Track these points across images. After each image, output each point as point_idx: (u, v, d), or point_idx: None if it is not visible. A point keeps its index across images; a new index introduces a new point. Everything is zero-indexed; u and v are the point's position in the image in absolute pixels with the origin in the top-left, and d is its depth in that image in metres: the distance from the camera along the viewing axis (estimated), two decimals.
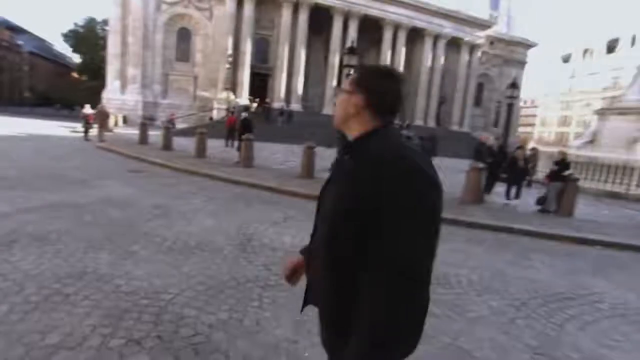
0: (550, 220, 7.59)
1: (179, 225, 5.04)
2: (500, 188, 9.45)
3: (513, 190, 9.01)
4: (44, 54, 73.03)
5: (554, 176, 7.48)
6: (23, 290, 2.89)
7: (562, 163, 7.50)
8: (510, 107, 16.02)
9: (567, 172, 7.73)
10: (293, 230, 5.31)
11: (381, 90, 1.09)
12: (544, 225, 7.19)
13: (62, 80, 61.86)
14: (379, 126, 1.08)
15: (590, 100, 65.75)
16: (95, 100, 26.51)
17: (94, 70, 43.74)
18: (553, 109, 76.16)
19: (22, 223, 4.45)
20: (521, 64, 42.20)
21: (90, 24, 51.92)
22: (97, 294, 2.94)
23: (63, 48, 69.92)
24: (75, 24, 53.32)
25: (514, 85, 15.84)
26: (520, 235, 6.60)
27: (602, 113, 16.63)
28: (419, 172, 0.96)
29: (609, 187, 12.66)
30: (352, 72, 1.20)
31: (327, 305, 1.11)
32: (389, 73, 1.12)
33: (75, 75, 61.34)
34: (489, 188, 9.49)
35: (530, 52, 43.81)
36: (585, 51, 70.37)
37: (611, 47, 64.41)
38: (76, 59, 61.41)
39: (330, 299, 1.08)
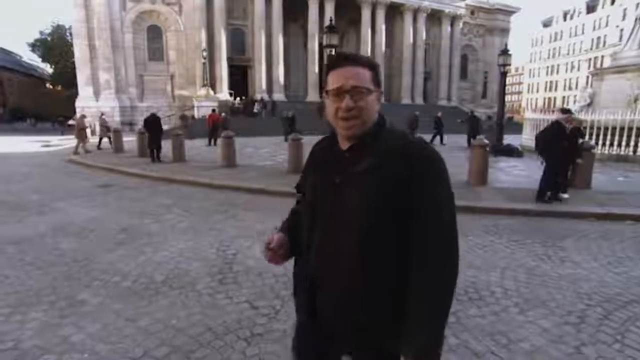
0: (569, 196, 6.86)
1: (147, 253, 4.17)
2: (502, 163, 8.43)
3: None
4: (12, 66, 69.92)
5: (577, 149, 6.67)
6: None
7: (578, 132, 6.72)
8: (503, 75, 15.22)
9: (582, 141, 6.95)
10: None
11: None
12: (564, 203, 6.48)
13: (35, 93, 59.26)
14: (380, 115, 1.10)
15: (575, 63, 65.34)
16: (73, 110, 25.20)
17: (68, 79, 41.71)
18: (539, 75, 75.62)
19: None
20: (505, 31, 41.20)
21: (58, 30, 49.62)
22: None
23: (31, 58, 67.24)
24: (42, 32, 51.01)
25: (505, 52, 15.03)
26: (541, 217, 5.87)
27: (598, 73, 15.86)
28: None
29: (614, 150, 12.05)
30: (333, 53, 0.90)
31: (367, 303, 1.05)
32: None
33: (49, 86, 58.96)
34: (555, 187, 6.49)
35: (514, 19, 42.79)
36: (566, 13, 69.55)
37: (591, 7, 63.64)
38: (49, 68, 59.04)
39: (370, 295, 1.04)
